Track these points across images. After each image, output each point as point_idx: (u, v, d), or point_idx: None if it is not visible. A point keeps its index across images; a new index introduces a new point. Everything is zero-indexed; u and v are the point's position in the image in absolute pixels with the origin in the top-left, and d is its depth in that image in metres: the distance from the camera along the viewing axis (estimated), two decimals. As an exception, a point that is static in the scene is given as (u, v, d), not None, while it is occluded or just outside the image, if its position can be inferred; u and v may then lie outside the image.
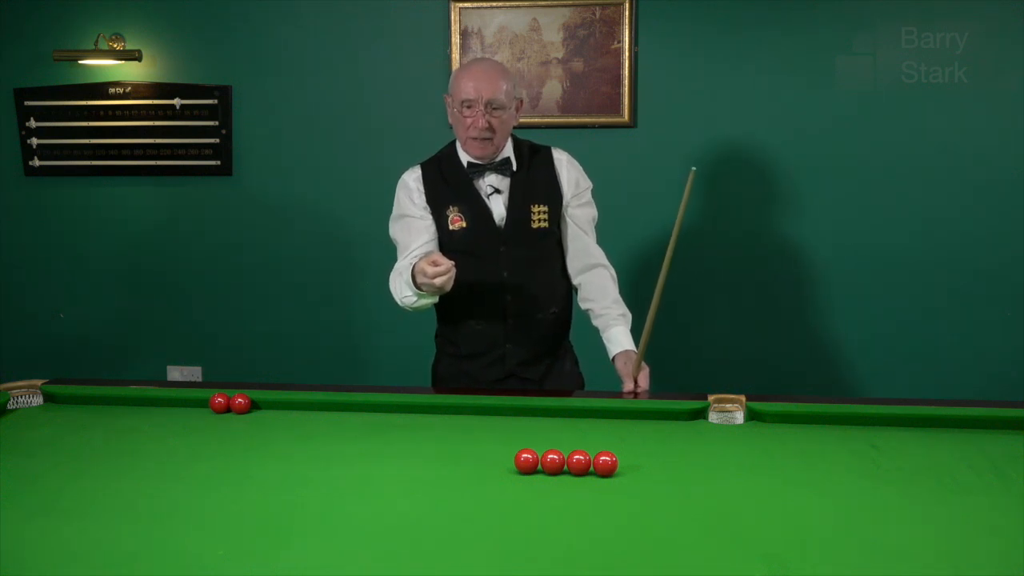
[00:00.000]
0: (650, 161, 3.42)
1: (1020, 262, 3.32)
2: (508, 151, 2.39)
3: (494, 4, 3.40)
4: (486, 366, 2.42)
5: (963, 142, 3.30)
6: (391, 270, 2.39)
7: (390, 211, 2.44)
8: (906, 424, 2.00)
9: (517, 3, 3.39)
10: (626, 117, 3.40)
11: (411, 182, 2.41)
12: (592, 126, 3.42)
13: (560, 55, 3.41)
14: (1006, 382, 3.32)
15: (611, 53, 3.38)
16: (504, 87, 2.30)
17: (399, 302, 2.34)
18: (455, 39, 3.43)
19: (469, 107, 2.30)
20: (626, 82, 3.38)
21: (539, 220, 2.38)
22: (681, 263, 3.39)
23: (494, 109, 2.29)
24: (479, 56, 3.41)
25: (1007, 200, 3.30)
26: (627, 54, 3.36)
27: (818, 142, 3.35)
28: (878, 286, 3.41)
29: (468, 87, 2.29)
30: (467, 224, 2.36)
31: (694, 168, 2.10)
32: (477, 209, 2.36)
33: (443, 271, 2.11)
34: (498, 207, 2.37)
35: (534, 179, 2.40)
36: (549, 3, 3.37)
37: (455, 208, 2.36)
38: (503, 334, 2.41)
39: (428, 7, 3.46)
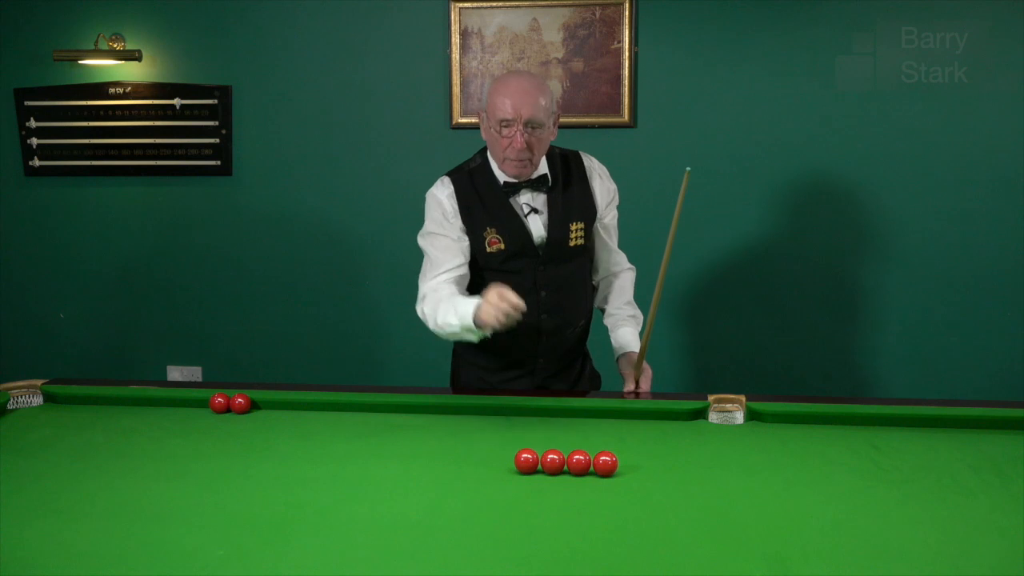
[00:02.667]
0: (650, 161, 3.42)
1: (1020, 262, 3.32)
2: (543, 167, 2.30)
3: (494, 4, 3.40)
4: (514, 380, 2.38)
5: (963, 142, 3.30)
6: (421, 290, 2.28)
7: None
8: (906, 424, 2.00)
9: (517, 3, 3.39)
10: (626, 117, 3.40)
11: (444, 199, 2.29)
12: (592, 126, 3.42)
13: (560, 55, 3.41)
14: (1006, 382, 3.32)
15: (611, 53, 3.38)
16: (543, 103, 2.18)
17: (433, 326, 2.20)
18: (455, 39, 3.43)
19: (507, 126, 2.17)
20: (626, 82, 3.38)
21: (576, 238, 2.31)
22: (681, 263, 3.41)
23: (533, 128, 2.17)
24: (481, 59, 3.41)
25: (1007, 200, 3.30)
26: (627, 54, 3.36)
27: (818, 142, 3.35)
28: (878, 286, 3.41)
29: (506, 106, 2.16)
30: (505, 246, 2.27)
31: (689, 169, 2.06)
32: (516, 230, 2.28)
33: (515, 306, 1.96)
34: (537, 227, 2.29)
35: (570, 196, 2.32)
36: (549, 3, 3.37)
37: (492, 230, 2.26)
38: (536, 350, 2.35)
39: (428, 7, 3.46)
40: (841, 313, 3.46)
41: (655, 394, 2.27)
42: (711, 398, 2.07)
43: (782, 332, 3.50)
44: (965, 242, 3.35)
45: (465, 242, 2.28)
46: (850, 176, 3.36)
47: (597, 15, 3.37)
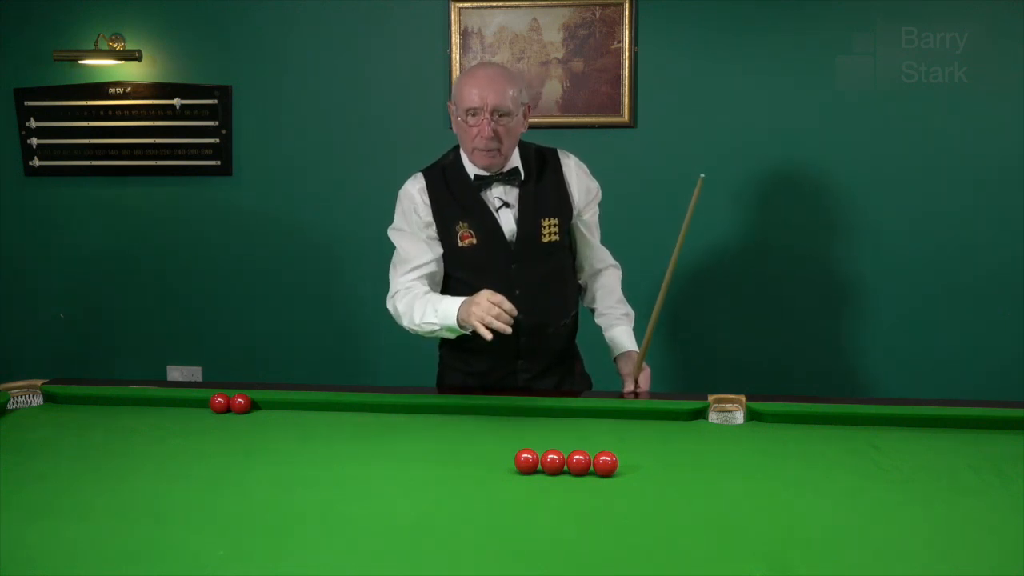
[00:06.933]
0: (650, 161, 3.42)
1: (1020, 262, 3.32)
2: (515, 160, 2.29)
3: (494, 4, 3.40)
4: (496, 382, 2.35)
5: (963, 142, 3.29)
6: (392, 285, 2.31)
7: (389, 211, 2.41)
8: (906, 424, 2.00)
9: (517, 3, 3.39)
10: (626, 117, 3.40)
11: (415, 193, 2.29)
12: (592, 126, 3.42)
13: (560, 55, 3.41)
14: (1006, 382, 3.32)
15: (611, 53, 3.38)
16: (510, 92, 2.18)
17: (407, 323, 2.23)
18: (455, 39, 3.43)
19: (474, 115, 2.17)
20: (626, 82, 3.38)
21: (549, 234, 2.28)
22: (681, 263, 3.38)
23: (500, 116, 2.17)
24: (481, 58, 3.41)
25: (1007, 200, 3.30)
26: (627, 54, 3.36)
27: (818, 142, 3.35)
28: (878, 286, 3.41)
29: (472, 94, 2.17)
30: (477, 241, 2.25)
31: (703, 175, 2.03)
32: (487, 225, 2.26)
33: (508, 311, 2.01)
34: (507, 221, 2.27)
35: (543, 190, 2.30)
36: (549, 3, 3.37)
37: (464, 224, 2.25)
38: (515, 351, 2.32)
39: (428, 7, 3.46)
40: (841, 313, 3.46)
41: (655, 394, 2.27)
42: (711, 398, 2.07)
43: (782, 332, 3.50)
44: (965, 242, 3.35)
45: (435, 237, 2.28)
46: (850, 176, 3.36)
47: (597, 15, 3.37)
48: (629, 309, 2.45)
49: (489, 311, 2.01)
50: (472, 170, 2.27)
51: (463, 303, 2.10)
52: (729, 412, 2.04)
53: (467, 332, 2.13)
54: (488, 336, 2.01)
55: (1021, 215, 3.29)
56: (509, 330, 2.02)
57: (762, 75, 3.34)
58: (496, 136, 2.18)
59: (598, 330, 2.47)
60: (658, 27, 3.36)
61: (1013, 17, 3.20)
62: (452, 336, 2.21)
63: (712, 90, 3.37)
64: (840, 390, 3.44)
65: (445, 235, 2.28)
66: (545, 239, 2.29)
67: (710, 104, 3.38)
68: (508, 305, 2.02)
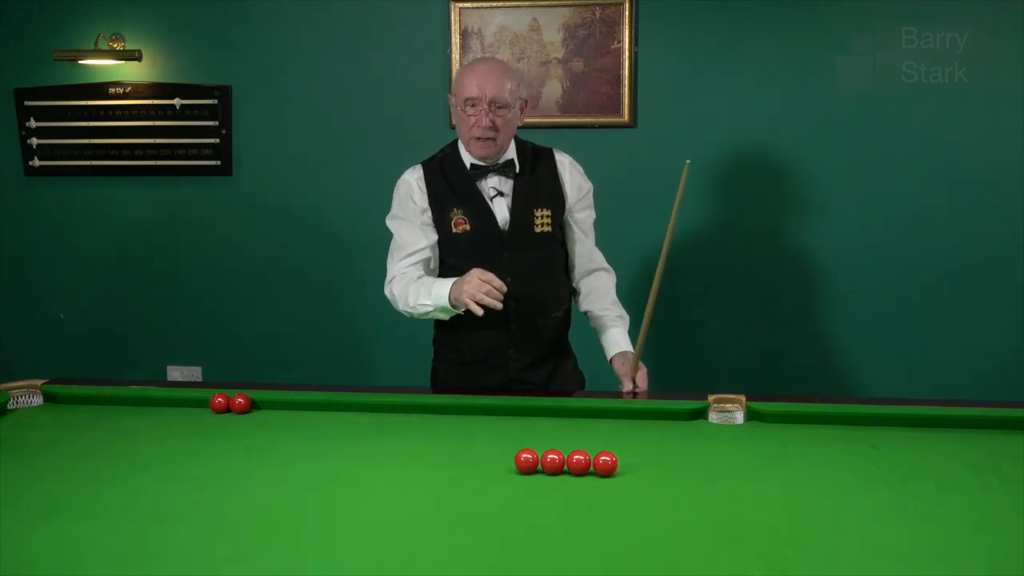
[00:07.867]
0: (650, 161, 3.42)
1: (1020, 262, 3.32)
2: (511, 152, 2.36)
3: (494, 4, 3.40)
4: (488, 372, 2.39)
5: (963, 142, 3.29)
6: (389, 272, 2.38)
7: (388, 210, 2.44)
8: (906, 424, 2.00)
9: (517, 3, 3.39)
10: (626, 117, 3.40)
11: (413, 181, 2.37)
12: (592, 126, 3.42)
13: (560, 55, 3.41)
14: (1006, 382, 3.32)
15: (611, 53, 3.38)
16: (508, 86, 2.27)
17: (403, 307, 2.33)
18: (455, 39, 3.43)
19: (472, 105, 2.26)
20: (626, 82, 3.38)
21: (542, 224, 2.35)
22: (681, 263, 3.41)
23: (498, 108, 2.26)
24: (480, 55, 3.41)
25: (1007, 200, 3.30)
26: (627, 54, 3.36)
27: (818, 142, 3.35)
28: (878, 285, 3.41)
29: (472, 85, 2.26)
30: (471, 227, 2.33)
31: (688, 161, 2.08)
32: (481, 212, 2.33)
33: (498, 287, 2.13)
34: (501, 210, 2.34)
35: (537, 182, 2.37)
36: (549, 3, 3.37)
37: (459, 211, 2.32)
38: (506, 340, 2.37)
39: (428, 7, 3.46)
40: (841, 313, 3.46)
41: (654, 394, 2.27)
42: (711, 398, 2.07)
43: (782, 332, 3.49)
44: (964, 241, 3.35)
45: (430, 223, 2.35)
46: (850, 176, 3.36)
47: (597, 15, 3.37)
48: (623, 312, 2.47)
49: (479, 288, 2.12)
50: (468, 160, 2.35)
51: (454, 283, 2.21)
52: (729, 412, 2.04)
53: (460, 311, 2.22)
54: (479, 312, 2.12)
55: (1021, 215, 3.29)
56: (500, 305, 2.13)
57: (762, 75, 3.34)
58: (493, 126, 2.26)
59: (592, 330, 2.48)
60: (658, 27, 3.36)
61: (1013, 17, 3.19)
62: (446, 317, 2.28)
63: (712, 90, 3.37)
64: (840, 390, 3.44)
65: (440, 222, 2.35)
66: (538, 229, 2.35)
67: (710, 104, 3.38)
68: (498, 282, 2.14)
